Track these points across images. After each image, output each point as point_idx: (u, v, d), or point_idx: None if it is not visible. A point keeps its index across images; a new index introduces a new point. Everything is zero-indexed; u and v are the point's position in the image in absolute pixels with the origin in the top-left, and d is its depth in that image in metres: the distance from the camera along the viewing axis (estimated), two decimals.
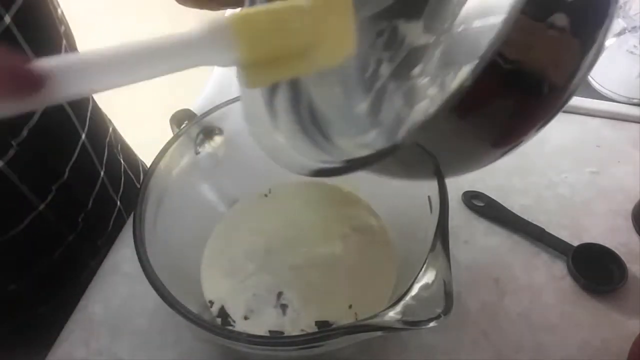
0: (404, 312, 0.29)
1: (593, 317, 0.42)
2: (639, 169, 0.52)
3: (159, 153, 0.38)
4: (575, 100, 0.57)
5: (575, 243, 0.45)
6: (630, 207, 0.49)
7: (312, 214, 0.46)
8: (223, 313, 0.40)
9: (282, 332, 0.39)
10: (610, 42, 0.50)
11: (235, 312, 0.40)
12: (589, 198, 0.50)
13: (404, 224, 0.42)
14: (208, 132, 0.41)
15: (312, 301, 0.40)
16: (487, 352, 0.40)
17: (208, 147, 0.42)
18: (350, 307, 0.40)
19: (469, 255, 0.46)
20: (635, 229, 0.48)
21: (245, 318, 0.40)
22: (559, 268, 0.45)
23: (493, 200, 0.49)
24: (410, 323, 0.29)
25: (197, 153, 0.41)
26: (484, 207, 0.49)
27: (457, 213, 0.49)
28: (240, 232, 0.45)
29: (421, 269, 0.31)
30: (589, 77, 0.56)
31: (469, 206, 0.49)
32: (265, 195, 0.47)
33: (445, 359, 0.40)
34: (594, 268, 0.44)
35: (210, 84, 0.61)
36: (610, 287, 0.43)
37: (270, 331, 0.39)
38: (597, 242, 0.45)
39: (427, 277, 0.30)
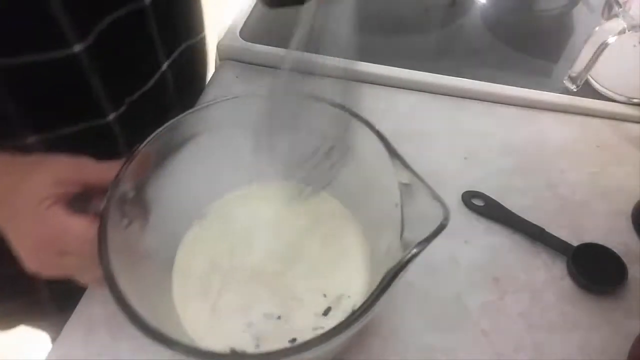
0: (409, 243, 0.31)
1: (593, 317, 0.42)
2: (639, 169, 0.52)
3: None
4: (575, 100, 0.57)
5: (575, 243, 0.45)
6: (630, 207, 0.49)
7: (274, 215, 0.44)
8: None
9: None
10: (610, 41, 0.50)
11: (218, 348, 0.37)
12: (589, 198, 0.50)
13: (368, 199, 0.41)
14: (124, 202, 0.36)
15: (282, 310, 0.39)
16: (487, 352, 0.40)
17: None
18: (325, 295, 0.39)
19: (469, 255, 0.46)
20: (635, 229, 0.48)
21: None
22: (559, 268, 0.45)
23: (493, 200, 0.49)
24: (422, 243, 0.30)
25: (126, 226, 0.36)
26: (484, 207, 0.49)
27: (457, 213, 0.49)
28: (203, 245, 0.42)
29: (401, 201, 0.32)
30: (588, 76, 0.56)
31: (469, 206, 0.49)
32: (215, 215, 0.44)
33: (445, 359, 0.40)
34: (594, 268, 0.44)
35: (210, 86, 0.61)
36: (610, 287, 0.43)
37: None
38: (597, 242, 0.45)
39: (410, 204, 0.32)
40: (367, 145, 0.37)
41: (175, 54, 0.52)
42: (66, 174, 0.35)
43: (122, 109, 0.47)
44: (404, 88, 0.59)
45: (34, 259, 0.35)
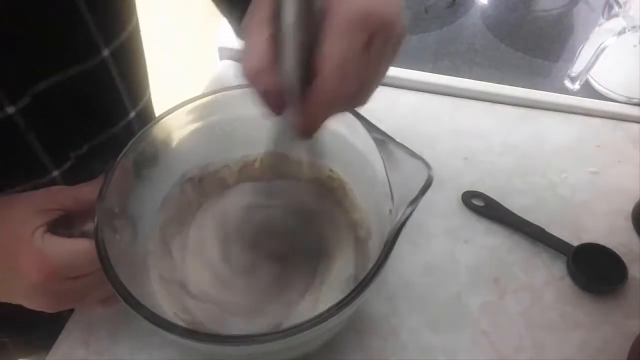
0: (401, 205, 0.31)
1: (593, 317, 0.42)
2: (639, 169, 0.52)
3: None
4: (575, 100, 0.57)
5: (575, 243, 0.45)
6: (630, 207, 0.49)
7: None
8: None
9: None
10: (610, 41, 0.50)
11: None
12: (589, 198, 0.50)
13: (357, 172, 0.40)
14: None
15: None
16: (487, 352, 0.40)
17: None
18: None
19: (469, 255, 0.46)
20: (635, 229, 0.48)
21: None
22: (559, 268, 0.45)
23: (493, 200, 0.49)
24: (413, 201, 0.31)
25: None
26: (484, 207, 0.49)
27: (457, 213, 0.49)
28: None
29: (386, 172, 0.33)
30: (588, 76, 0.56)
31: (469, 206, 0.49)
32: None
33: (445, 359, 0.40)
34: (594, 268, 0.44)
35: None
36: (610, 287, 0.43)
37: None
38: (597, 242, 0.45)
39: (394, 169, 0.33)
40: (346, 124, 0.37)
41: (143, 101, 0.50)
42: (44, 204, 0.34)
43: (67, 164, 0.43)
44: (404, 88, 0.59)
45: (42, 294, 0.34)
